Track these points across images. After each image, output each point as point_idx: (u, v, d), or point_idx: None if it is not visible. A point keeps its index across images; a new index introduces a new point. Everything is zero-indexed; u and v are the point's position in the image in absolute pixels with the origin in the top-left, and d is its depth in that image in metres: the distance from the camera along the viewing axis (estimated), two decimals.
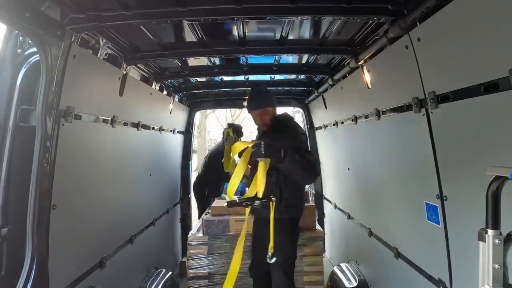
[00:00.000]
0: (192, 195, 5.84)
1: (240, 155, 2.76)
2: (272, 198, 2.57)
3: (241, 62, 3.69)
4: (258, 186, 2.51)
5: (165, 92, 4.33)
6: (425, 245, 2.31)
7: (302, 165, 2.58)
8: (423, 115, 2.10)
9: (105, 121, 2.75)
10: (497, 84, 1.47)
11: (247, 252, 3.38)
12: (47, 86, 1.95)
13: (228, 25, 2.71)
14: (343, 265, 3.99)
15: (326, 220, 5.45)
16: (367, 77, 2.91)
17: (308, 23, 2.70)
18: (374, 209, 3.31)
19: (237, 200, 2.66)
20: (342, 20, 2.49)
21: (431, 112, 2.02)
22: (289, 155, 2.50)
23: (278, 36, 2.92)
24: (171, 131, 4.84)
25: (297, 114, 6.56)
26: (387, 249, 2.90)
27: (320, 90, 4.49)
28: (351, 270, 3.81)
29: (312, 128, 5.62)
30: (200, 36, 2.81)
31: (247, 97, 2.97)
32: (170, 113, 4.59)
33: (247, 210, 2.80)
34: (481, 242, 1.15)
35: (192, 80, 4.58)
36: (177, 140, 5.35)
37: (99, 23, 2.18)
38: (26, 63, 2.15)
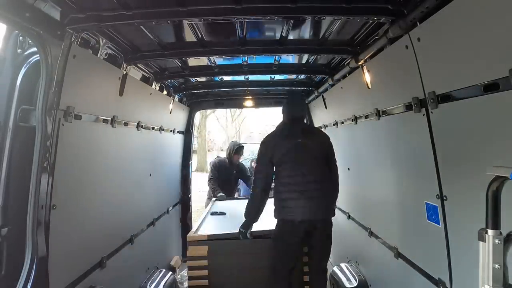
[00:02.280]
0: (191, 195, 5.91)
1: None
2: None
3: (241, 62, 3.69)
4: None
5: (165, 92, 4.33)
6: (425, 245, 2.31)
7: None
8: (423, 115, 2.10)
9: (105, 121, 2.75)
10: (497, 84, 1.47)
11: (247, 254, 3.39)
12: (47, 86, 1.95)
13: (228, 25, 2.70)
14: (343, 265, 3.98)
15: None
16: (367, 77, 2.91)
17: (308, 23, 2.70)
18: (374, 209, 3.31)
19: None
20: (342, 20, 2.48)
21: (431, 112, 2.01)
22: None
23: (278, 36, 2.92)
24: (171, 131, 4.84)
25: None
26: (387, 249, 2.90)
27: (320, 90, 4.49)
28: (351, 270, 3.81)
29: None
30: (200, 36, 2.81)
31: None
32: (170, 113, 4.60)
33: None
34: (481, 242, 1.15)
35: (192, 80, 4.58)
36: (177, 140, 5.35)
37: (99, 23, 2.19)
38: (26, 63, 2.14)
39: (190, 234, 3.61)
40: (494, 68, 1.47)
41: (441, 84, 1.91)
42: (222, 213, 4.46)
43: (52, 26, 1.97)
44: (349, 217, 4.05)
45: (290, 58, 3.71)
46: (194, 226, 4.14)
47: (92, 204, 2.58)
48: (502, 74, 1.42)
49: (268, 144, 3.14)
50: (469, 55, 1.66)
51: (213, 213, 4.47)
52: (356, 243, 3.89)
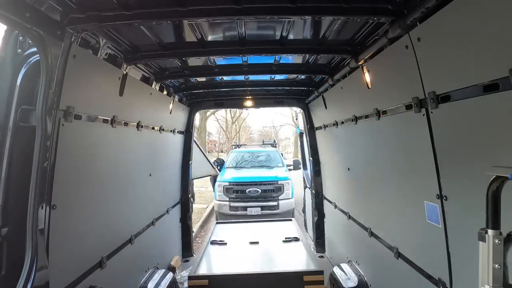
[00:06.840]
0: (191, 195, 5.95)
1: None
2: None
3: (241, 62, 3.69)
4: None
5: (165, 92, 4.33)
6: (425, 245, 2.31)
7: None
8: (423, 115, 2.10)
9: (105, 121, 2.75)
10: (497, 84, 1.47)
11: None
12: (47, 86, 1.95)
13: (228, 25, 2.71)
14: (343, 265, 3.99)
15: (326, 220, 5.46)
16: (367, 77, 2.90)
17: (308, 23, 2.70)
18: (374, 209, 3.31)
19: None
20: (342, 20, 2.49)
21: (431, 112, 2.01)
22: None
23: (278, 36, 2.92)
24: (171, 131, 4.84)
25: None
26: (387, 249, 2.90)
27: (320, 90, 4.49)
28: (351, 270, 3.81)
29: (312, 128, 5.62)
30: (200, 36, 2.81)
31: None
32: (170, 113, 4.59)
33: None
34: (481, 242, 1.15)
35: (192, 80, 4.58)
36: (177, 140, 5.35)
37: (99, 23, 2.19)
38: (26, 63, 2.14)
39: (191, 273, 3.62)
40: (494, 68, 1.47)
41: (441, 84, 1.91)
42: (223, 243, 4.51)
43: (52, 26, 1.97)
44: (349, 217, 4.05)
45: (290, 58, 3.71)
46: (196, 263, 4.09)
47: (92, 204, 2.58)
48: (502, 74, 1.42)
49: None
50: (469, 55, 1.66)
51: (214, 242, 4.54)
52: (356, 243, 3.89)
